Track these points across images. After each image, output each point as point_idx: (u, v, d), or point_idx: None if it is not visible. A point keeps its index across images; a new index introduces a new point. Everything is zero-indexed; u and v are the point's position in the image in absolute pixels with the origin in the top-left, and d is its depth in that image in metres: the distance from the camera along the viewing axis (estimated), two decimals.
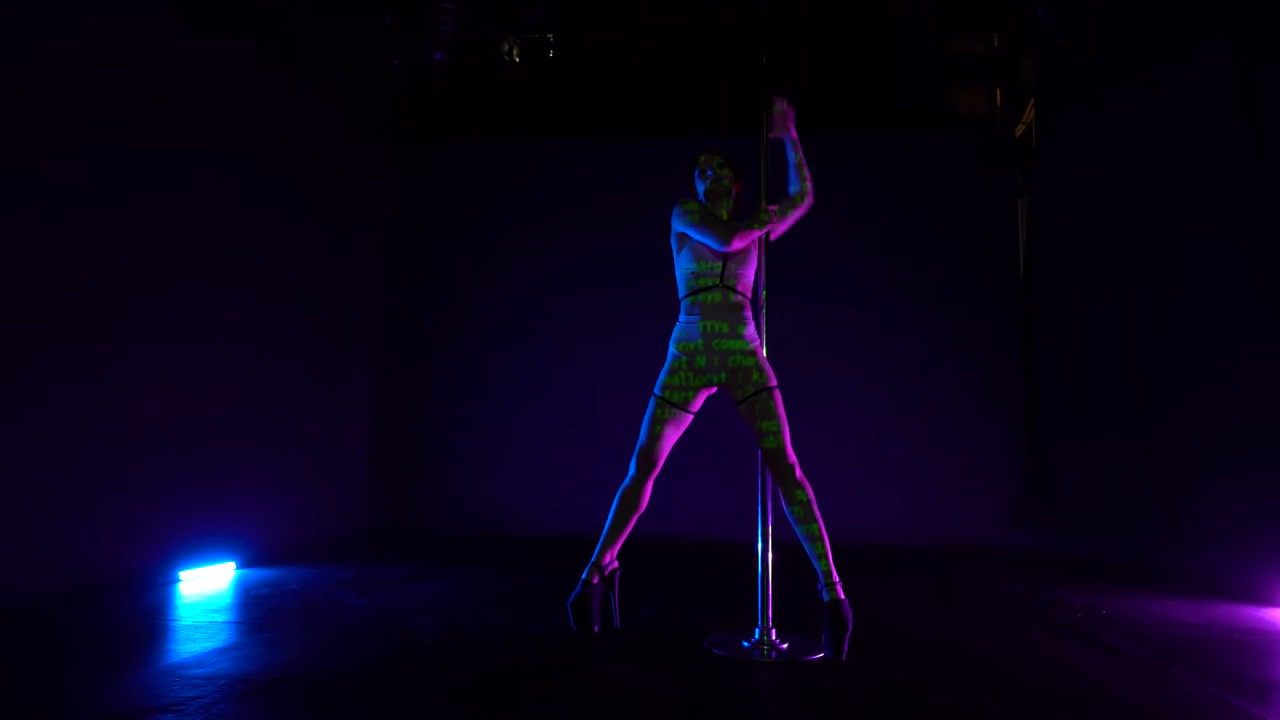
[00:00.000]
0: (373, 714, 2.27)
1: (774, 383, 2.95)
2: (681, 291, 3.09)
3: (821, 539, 2.83)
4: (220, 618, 3.35)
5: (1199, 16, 4.24)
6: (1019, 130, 6.41)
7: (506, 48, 7.34)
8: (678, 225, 3.05)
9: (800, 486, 2.85)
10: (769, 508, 2.95)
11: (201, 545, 4.23)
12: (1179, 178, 4.40)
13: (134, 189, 4.00)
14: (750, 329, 3.02)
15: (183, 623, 3.28)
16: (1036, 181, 5.90)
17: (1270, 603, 3.65)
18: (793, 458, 2.89)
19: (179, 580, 4.01)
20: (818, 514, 2.84)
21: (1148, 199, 4.63)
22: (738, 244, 2.96)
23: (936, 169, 6.26)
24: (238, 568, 4.38)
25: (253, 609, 3.53)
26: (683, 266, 3.08)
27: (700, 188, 3.17)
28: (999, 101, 6.64)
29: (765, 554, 2.88)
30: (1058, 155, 5.54)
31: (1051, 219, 5.62)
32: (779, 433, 2.89)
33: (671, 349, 3.07)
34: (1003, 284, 6.13)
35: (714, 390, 3.05)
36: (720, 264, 3.01)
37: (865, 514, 5.71)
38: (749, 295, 3.07)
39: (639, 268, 6.28)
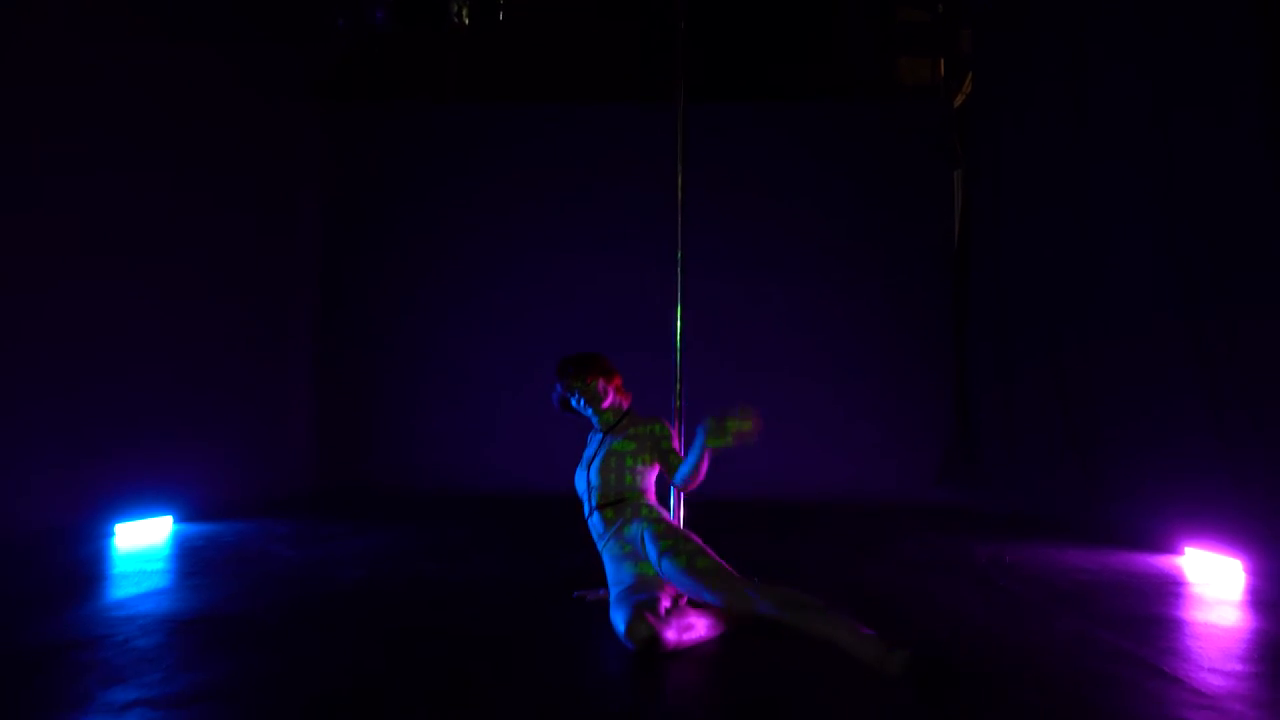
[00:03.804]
0: (273, 650, 2.37)
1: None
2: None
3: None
4: (151, 566, 3.41)
5: None
6: (959, 100, 6.51)
7: (456, 9, 7.28)
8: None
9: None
10: None
11: (139, 501, 4.28)
12: (1098, 151, 4.52)
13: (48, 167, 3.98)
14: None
15: (114, 570, 3.35)
16: (970, 150, 6.01)
17: (1164, 550, 3.85)
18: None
19: (113, 534, 4.06)
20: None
21: (1068, 164, 4.75)
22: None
23: (879, 138, 6.36)
24: (175, 522, 4.44)
25: (184, 559, 3.60)
26: None
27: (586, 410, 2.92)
28: (942, 72, 6.74)
29: None
30: (990, 124, 5.64)
31: (983, 188, 5.74)
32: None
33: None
34: (938, 251, 6.28)
35: None
36: None
37: (800, 472, 5.88)
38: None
39: (592, 229, 6.35)
